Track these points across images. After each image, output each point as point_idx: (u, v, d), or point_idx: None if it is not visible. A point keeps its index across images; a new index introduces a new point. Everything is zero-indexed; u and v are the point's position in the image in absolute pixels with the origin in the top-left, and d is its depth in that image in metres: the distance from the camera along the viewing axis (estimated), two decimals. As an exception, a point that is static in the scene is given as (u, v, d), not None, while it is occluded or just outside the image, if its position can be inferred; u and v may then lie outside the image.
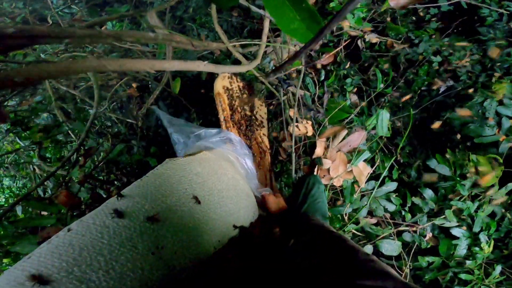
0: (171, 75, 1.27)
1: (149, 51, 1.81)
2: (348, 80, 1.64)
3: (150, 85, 1.57)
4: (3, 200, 2.90)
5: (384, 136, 1.06)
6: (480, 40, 2.03)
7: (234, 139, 0.94)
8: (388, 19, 1.94)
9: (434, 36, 2.04)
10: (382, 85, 1.24)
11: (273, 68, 1.40)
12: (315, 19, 0.54)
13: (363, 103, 1.42)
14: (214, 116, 1.39)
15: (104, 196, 1.37)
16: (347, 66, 1.66)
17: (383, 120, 1.01)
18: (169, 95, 1.57)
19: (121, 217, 0.50)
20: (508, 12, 1.92)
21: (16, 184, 2.85)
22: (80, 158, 1.12)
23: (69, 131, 1.52)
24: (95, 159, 1.55)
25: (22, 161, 2.16)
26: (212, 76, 1.50)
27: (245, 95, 1.12)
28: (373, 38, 1.42)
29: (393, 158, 1.18)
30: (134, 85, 1.45)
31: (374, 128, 1.08)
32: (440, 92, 1.73)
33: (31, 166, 2.22)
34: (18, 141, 1.94)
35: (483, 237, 1.47)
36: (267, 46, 1.32)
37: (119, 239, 0.49)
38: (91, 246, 0.46)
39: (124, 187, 1.34)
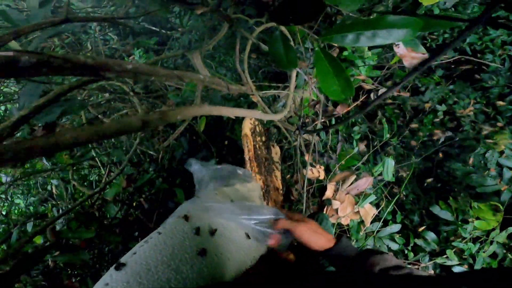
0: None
1: (170, 85, 1.97)
2: (356, 128, 1.74)
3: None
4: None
5: (390, 181, 1.16)
6: (484, 87, 2.12)
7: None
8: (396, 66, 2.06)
9: (440, 84, 2.15)
10: (388, 135, 1.36)
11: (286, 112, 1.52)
12: (349, 86, 0.72)
13: (371, 152, 1.52)
14: (231, 155, 1.50)
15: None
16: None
17: (388, 167, 1.13)
18: (188, 130, 1.70)
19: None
20: (510, 57, 2.01)
21: (27, 201, 2.91)
22: (115, 181, 1.24)
23: (96, 157, 1.63)
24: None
25: (34, 181, 2.27)
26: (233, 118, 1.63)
27: (264, 138, 1.24)
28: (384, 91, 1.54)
29: (396, 197, 1.26)
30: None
31: (380, 174, 1.19)
32: (440, 142, 1.83)
33: (49, 186, 2.33)
34: (44, 161, 2.05)
35: (485, 275, 1.51)
36: (282, 90, 1.45)
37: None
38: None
39: (147, 212, 1.45)
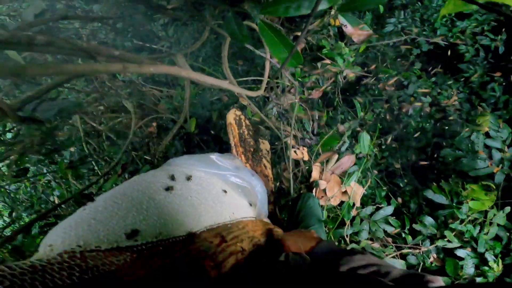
0: (188, 115, 1.50)
1: (162, 97, 2.08)
2: (346, 125, 1.80)
3: (166, 125, 1.79)
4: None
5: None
6: (465, 77, 2.19)
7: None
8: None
9: (422, 77, 2.22)
10: (362, 113, 1.43)
11: (275, 114, 1.62)
12: (298, 55, 0.83)
13: (349, 129, 1.59)
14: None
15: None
16: (344, 111, 1.85)
17: (364, 140, 1.20)
18: (183, 135, 1.79)
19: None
20: (483, 47, 2.07)
21: (31, 216, 2.92)
22: (112, 171, 1.30)
23: (93, 164, 1.70)
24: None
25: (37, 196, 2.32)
26: (222, 119, 1.72)
27: (252, 132, 1.33)
28: (349, 73, 1.66)
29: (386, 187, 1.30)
30: (154, 124, 1.67)
31: (361, 152, 1.25)
32: (409, 114, 1.89)
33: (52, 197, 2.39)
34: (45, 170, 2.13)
35: (489, 256, 1.50)
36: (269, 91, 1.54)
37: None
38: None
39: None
